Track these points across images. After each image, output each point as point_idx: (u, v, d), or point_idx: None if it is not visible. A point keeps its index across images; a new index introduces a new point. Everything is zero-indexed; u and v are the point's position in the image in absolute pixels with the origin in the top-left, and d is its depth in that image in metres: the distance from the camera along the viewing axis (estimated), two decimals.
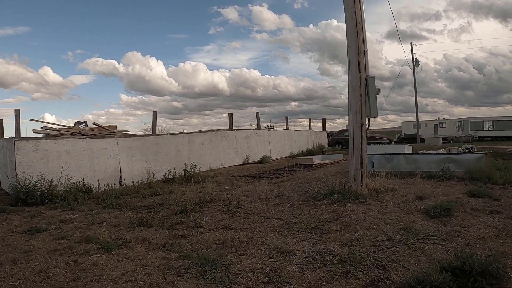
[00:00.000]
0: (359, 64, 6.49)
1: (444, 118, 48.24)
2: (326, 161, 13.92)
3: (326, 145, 26.11)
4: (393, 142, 27.52)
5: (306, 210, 5.76)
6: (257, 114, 18.67)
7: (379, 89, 6.64)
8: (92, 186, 9.61)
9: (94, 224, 5.93)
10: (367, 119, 6.63)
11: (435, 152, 9.01)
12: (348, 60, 6.67)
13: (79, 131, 11.74)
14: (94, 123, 13.54)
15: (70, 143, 10.06)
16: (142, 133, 15.23)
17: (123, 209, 7.05)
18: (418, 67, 32.29)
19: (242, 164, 16.03)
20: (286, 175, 10.46)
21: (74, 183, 9.22)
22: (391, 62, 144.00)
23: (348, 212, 5.53)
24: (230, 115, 16.39)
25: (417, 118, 32.75)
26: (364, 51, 6.62)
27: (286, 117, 22.24)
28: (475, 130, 40.21)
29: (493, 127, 39.81)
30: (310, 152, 21.99)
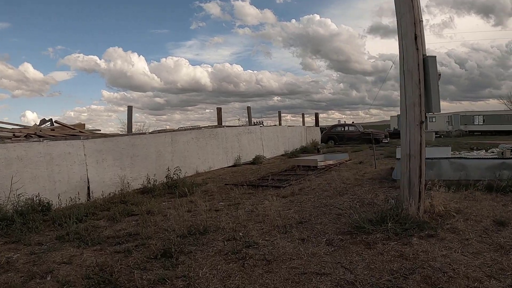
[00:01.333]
0: (415, 38, 4.59)
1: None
2: (331, 162, 12.07)
3: (320, 142, 24.34)
4: (388, 139, 25.93)
5: (355, 252, 3.82)
6: (248, 108, 16.63)
7: (440, 74, 4.77)
8: (50, 202, 7.47)
9: (34, 279, 3.87)
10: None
11: (484, 155, 7.28)
12: (400, 33, 4.75)
13: (35, 132, 9.50)
14: (56, 122, 11.28)
15: (23, 148, 7.87)
16: (119, 133, 12.98)
17: (83, 243, 4.99)
18: None
19: (233, 166, 14.06)
20: (293, 182, 8.55)
21: (27, 199, 7.09)
22: (373, 57, 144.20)
23: (421, 255, 3.64)
24: (219, 110, 14.31)
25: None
26: (420, 21, 4.73)
27: (279, 112, 20.29)
28: (465, 124, 39.29)
29: (483, 122, 38.94)
30: (304, 150, 20.18)
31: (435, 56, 4.67)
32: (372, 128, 37.78)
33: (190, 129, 13.01)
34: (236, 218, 5.44)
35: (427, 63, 4.62)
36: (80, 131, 11.54)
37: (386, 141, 25.24)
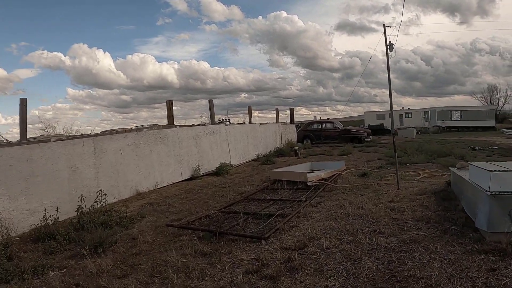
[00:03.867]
0: None
1: (409, 108, 45.65)
2: (323, 175, 8.74)
3: (296, 141, 21.06)
4: (370, 137, 23.10)
5: None
6: (211, 101, 12.96)
7: None
8: None
9: None
10: None
11: None
12: None
13: None
14: None
15: None
16: (7, 141, 8.92)
17: None
18: (392, 51, 28.12)
19: (190, 179, 10.52)
20: (282, 223, 5.10)
21: None
22: (340, 53, 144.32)
23: None
24: (170, 104, 10.54)
25: (391, 107, 28.73)
26: None
27: (249, 107, 16.67)
28: (443, 120, 37.65)
29: (461, 117, 37.47)
30: (280, 153, 16.87)
31: None
32: (347, 124, 35.08)
33: (125, 131, 9.23)
34: None
35: None
36: None
37: (369, 139, 22.42)
